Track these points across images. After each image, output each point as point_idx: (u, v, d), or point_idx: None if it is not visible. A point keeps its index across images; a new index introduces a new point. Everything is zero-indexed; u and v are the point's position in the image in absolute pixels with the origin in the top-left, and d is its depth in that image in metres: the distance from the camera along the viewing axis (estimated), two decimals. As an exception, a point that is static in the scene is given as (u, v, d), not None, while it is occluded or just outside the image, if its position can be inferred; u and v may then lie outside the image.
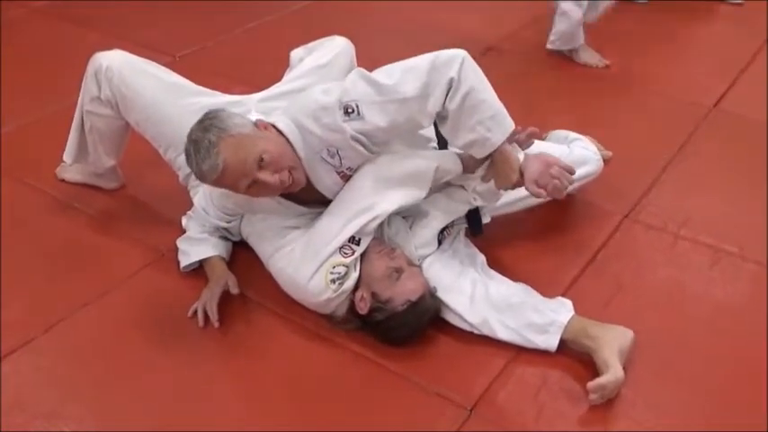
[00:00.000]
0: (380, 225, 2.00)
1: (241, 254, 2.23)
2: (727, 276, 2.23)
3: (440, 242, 2.09)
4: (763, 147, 2.80)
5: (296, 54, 2.52)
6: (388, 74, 1.89)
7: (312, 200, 2.05)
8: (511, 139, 1.94)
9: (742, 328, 2.06)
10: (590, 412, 1.81)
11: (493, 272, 2.10)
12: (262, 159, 1.83)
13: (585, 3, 3.24)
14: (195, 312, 2.04)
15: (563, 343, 1.93)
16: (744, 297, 2.17)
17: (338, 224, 1.96)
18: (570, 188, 1.98)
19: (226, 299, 2.07)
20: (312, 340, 2.00)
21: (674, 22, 3.63)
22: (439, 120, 1.94)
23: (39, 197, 2.51)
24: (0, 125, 2.87)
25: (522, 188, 1.96)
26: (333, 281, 1.93)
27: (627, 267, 2.26)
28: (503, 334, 1.94)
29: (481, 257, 2.13)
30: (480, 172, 2.02)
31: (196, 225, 2.20)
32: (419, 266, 2.03)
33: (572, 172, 1.96)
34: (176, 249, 2.21)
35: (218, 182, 1.87)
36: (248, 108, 2.20)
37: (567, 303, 1.98)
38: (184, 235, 2.22)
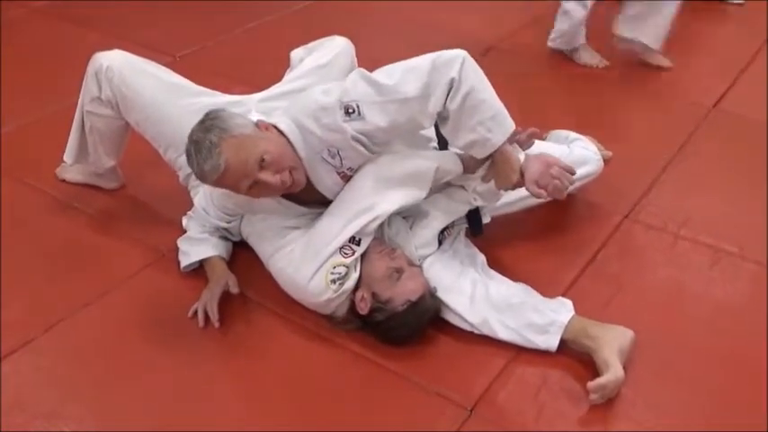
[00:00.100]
0: (381, 225, 2.00)
1: (241, 254, 2.23)
2: (727, 276, 2.23)
3: (440, 242, 2.09)
4: (763, 147, 2.80)
5: (296, 54, 2.52)
6: (388, 74, 1.89)
7: (312, 200, 2.05)
8: (511, 139, 1.94)
9: (742, 327, 2.06)
10: (590, 412, 1.81)
11: (493, 272, 2.10)
12: (263, 160, 1.83)
13: (589, 3, 3.23)
14: (195, 312, 2.03)
15: (563, 343, 1.93)
16: (744, 297, 2.17)
17: (338, 224, 1.96)
18: (570, 188, 1.98)
19: (226, 299, 2.07)
20: (312, 340, 2.00)
21: (675, 22, 3.62)
22: (439, 120, 1.94)
23: (39, 197, 2.51)
24: (0, 125, 2.87)
25: (523, 188, 1.96)
26: (333, 281, 1.93)
27: (627, 267, 2.26)
28: (503, 334, 1.95)
29: (481, 257, 2.13)
30: (481, 172, 2.02)
31: (196, 225, 2.20)
32: (419, 267, 2.03)
33: (572, 172, 1.96)
34: (176, 249, 2.21)
35: (219, 182, 1.87)
36: (248, 108, 2.19)
37: (568, 303, 1.99)
38: (185, 235, 2.22)
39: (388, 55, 2.03)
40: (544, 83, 3.32)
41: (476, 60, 1.89)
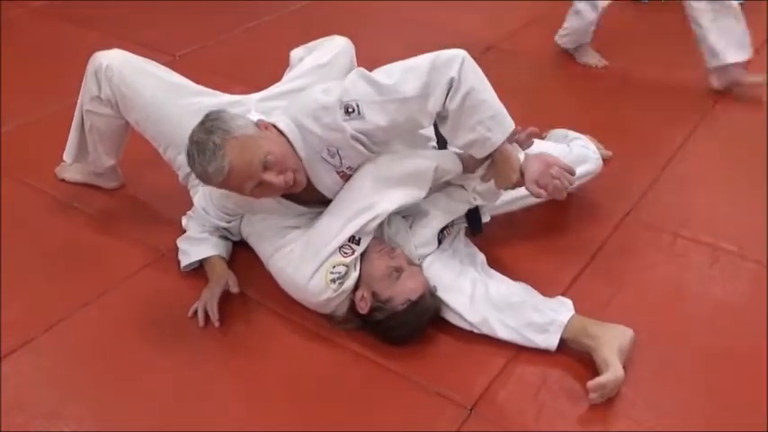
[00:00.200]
0: (380, 225, 2.00)
1: (241, 254, 2.23)
2: (726, 275, 2.23)
3: (440, 241, 2.09)
4: (763, 147, 2.80)
5: (296, 54, 2.52)
6: (388, 74, 1.89)
7: (312, 200, 2.05)
8: (511, 138, 1.94)
9: (742, 327, 2.06)
10: (590, 411, 1.81)
11: (493, 271, 2.10)
12: (266, 161, 1.83)
13: (600, 5, 3.22)
14: (195, 312, 2.03)
15: (563, 342, 1.93)
16: (743, 296, 2.17)
17: (338, 224, 1.96)
18: (570, 187, 1.98)
19: (226, 298, 2.07)
20: (312, 340, 2.00)
21: (674, 22, 3.62)
22: (439, 120, 1.94)
23: (39, 197, 2.51)
24: (0, 125, 2.87)
25: (522, 188, 1.96)
26: (333, 280, 1.93)
27: (627, 267, 2.26)
28: (503, 333, 1.95)
29: (481, 257, 2.14)
30: (480, 171, 2.02)
31: (196, 225, 2.20)
32: (419, 266, 2.03)
33: (572, 172, 1.96)
34: (176, 249, 2.21)
35: (223, 184, 1.87)
36: (248, 108, 2.20)
37: (567, 302, 1.99)
38: (184, 235, 2.22)
39: (388, 55, 2.03)
40: (544, 82, 3.31)
41: (475, 60, 1.89)
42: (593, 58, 3.39)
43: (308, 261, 1.96)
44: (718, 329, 2.05)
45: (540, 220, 2.38)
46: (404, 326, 1.93)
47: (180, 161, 2.21)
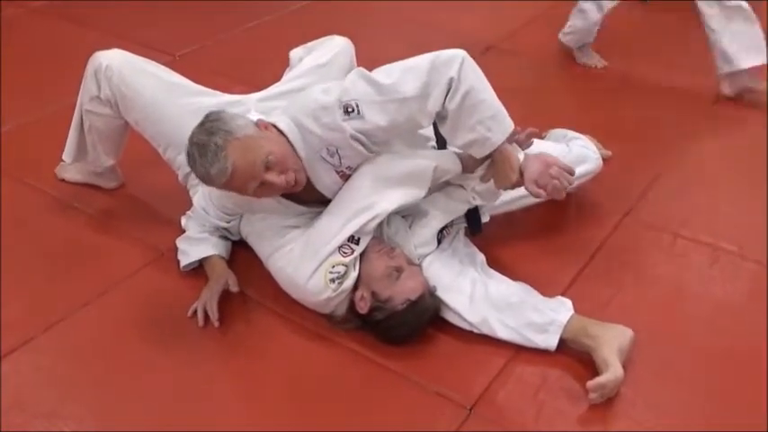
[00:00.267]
0: (380, 224, 2.00)
1: (241, 253, 2.23)
2: (726, 275, 2.23)
3: (439, 241, 2.09)
4: (763, 147, 2.80)
5: (295, 53, 2.52)
6: (387, 73, 1.89)
7: (312, 199, 2.05)
8: (511, 138, 1.94)
9: (742, 327, 2.06)
10: (590, 411, 1.81)
11: (492, 271, 2.10)
12: (268, 161, 1.83)
13: (605, 5, 3.21)
14: (195, 312, 2.03)
15: (563, 342, 1.93)
16: (743, 296, 2.17)
17: (337, 223, 1.96)
18: (569, 187, 1.98)
19: (226, 298, 2.07)
20: (312, 340, 2.00)
21: (674, 22, 3.63)
22: (438, 119, 1.94)
23: (39, 197, 2.51)
24: (0, 125, 2.87)
25: (522, 187, 1.96)
26: (332, 280, 1.93)
27: (627, 267, 2.26)
28: (502, 333, 1.95)
29: (481, 257, 2.13)
30: (480, 171, 2.02)
31: (196, 225, 2.20)
32: (419, 266, 2.03)
33: (572, 172, 1.96)
34: (176, 249, 2.21)
35: (226, 185, 1.86)
36: (248, 108, 2.20)
37: (567, 303, 1.98)
38: (184, 234, 2.22)
39: (388, 55, 2.03)
40: (543, 82, 3.31)
41: (475, 60, 1.89)
42: (592, 59, 3.39)
43: (308, 260, 1.96)
44: (718, 329, 2.05)
45: (539, 220, 2.38)
46: (403, 326, 1.93)
47: (179, 161, 2.21)
